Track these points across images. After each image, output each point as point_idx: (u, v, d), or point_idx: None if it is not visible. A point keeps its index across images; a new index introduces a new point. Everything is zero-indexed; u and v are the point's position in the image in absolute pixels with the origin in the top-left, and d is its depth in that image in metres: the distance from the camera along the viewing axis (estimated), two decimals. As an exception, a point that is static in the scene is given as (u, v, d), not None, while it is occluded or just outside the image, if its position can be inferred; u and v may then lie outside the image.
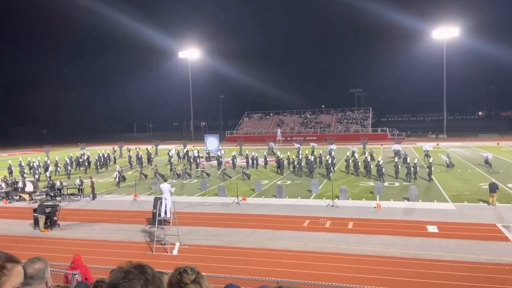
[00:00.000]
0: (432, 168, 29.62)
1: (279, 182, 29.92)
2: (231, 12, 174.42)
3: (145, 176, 33.66)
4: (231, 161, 38.39)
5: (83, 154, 44.79)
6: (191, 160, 40.49)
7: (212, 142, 55.49)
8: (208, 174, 32.74)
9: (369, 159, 34.03)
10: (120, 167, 31.17)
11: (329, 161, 32.77)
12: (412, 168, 29.51)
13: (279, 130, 74.96)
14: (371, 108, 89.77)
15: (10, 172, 36.30)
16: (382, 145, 59.48)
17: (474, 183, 27.84)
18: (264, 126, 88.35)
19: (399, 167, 31.15)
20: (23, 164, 37.96)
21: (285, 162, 36.04)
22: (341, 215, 19.92)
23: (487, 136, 71.90)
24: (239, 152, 48.80)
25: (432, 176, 29.18)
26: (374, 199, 23.41)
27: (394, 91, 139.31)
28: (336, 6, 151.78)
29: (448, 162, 35.10)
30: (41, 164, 37.97)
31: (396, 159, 33.16)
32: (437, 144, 59.33)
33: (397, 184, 28.28)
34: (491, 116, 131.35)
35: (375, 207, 21.32)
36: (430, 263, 13.45)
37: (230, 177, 31.83)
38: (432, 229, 17.30)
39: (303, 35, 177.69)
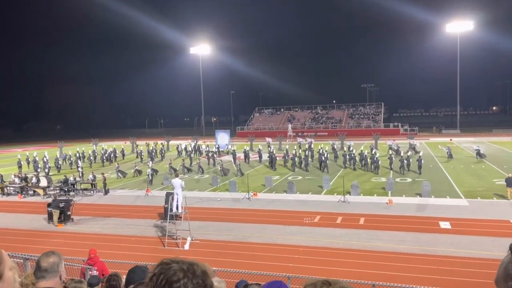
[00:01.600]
0: (422, 162, 30.75)
1: (290, 178, 29.89)
2: (242, 7, 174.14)
3: (139, 172, 33.30)
4: (243, 156, 38.66)
5: (95, 151, 45.62)
6: (209, 156, 40.71)
7: (223, 138, 55.75)
8: (225, 173, 32.35)
9: (376, 155, 34.15)
10: (152, 168, 31.38)
11: (326, 156, 33.55)
12: (405, 161, 30.89)
13: (290, 126, 74.79)
14: (383, 103, 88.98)
15: (20, 167, 37.05)
16: (394, 140, 58.94)
17: (488, 178, 27.47)
18: (275, 122, 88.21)
19: (393, 158, 33.12)
20: (37, 159, 38.61)
21: (296, 159, 36.02)
22: (353, 211, 19.83)
23: (501, 131, 70.74)
24: (250, 147, 48.79)
25: (422, 170, 30.29)
26: (386, 195, 23.25)
27: (406, 86, 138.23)
28: (348, 0, 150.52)
29: (448, 154, 38.29)
30: (45, 159, 38.62)
31: (390, 152, 34.95)
32: (451, 140, 58.64)
33: (409, 179, 28.05)
34: (506, 111, 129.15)
35: (387, 203, 21.19)
36: (443, 260, 13.33)
37: (243, 174, 31.72)
38: (444, 225, 17.14)
39: (314, 30, 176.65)
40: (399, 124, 79.45)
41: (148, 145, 49.74)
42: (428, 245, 14.71)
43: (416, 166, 30.72)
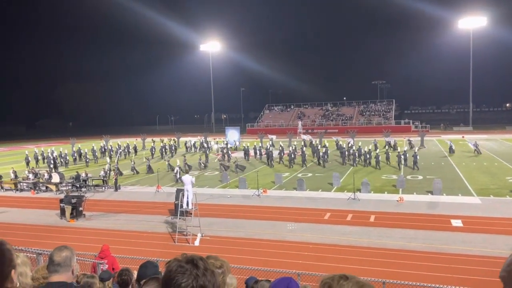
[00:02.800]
0: (418, 157, 31.51)
1: (300, 175, 29.85)
2: (252, 4, 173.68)
3: (120, 172, 31.24)
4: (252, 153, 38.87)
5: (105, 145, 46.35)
6: (223, 152, 40.90)
7: (233, 135, 55.89)
8: (242, 168, 32.42)
9: (377, 151, 35.81)
10: (171, 164, 31.72)
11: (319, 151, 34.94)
12: (402, 156, 31.73)
13: (300, 123, 74.62)
14: (394, 100, 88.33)
15: (27, 163, 37.63)
16: (405, 137, 58.51)
17: (501, 176, 27.12)
18: (285, 119, 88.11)
19: (389, 154, 34.71)
20: (55, 154, 39.21)
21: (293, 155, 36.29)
22: (363, 208, 19.74)
23: (515, 129, 69.76)
24: (260, 144, 48.84)
25: (417, 165, 31.02)
26: (397, 192, 23.09)
27: (418, 83, 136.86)
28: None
29: (476, 149, 38.52)
30: (57, 154, 39.16)
31: (387, 147, 37.04)
32: (463, 137, 57.98)
33: (420, 177, 27.81)
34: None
35: (397, 201, 21.04)
36: (454, 258, 13.21)
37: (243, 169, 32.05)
38: (456, 223, 16.97)
39: (324, 26, 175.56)
40: (411, 121, 78.76)
41: (162, 141, 50.39)
42: (439, 243, 14.58)
43: (412, 162, 31.40)
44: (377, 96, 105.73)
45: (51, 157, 38.08)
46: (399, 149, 34.89)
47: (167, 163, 34.57)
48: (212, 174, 31.91)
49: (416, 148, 35.58)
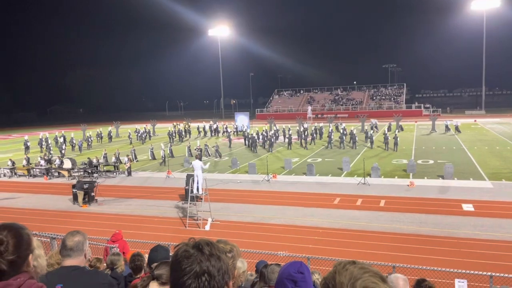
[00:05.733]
0: (398, 139, 33.30)
1: (309, 160, 29.82)
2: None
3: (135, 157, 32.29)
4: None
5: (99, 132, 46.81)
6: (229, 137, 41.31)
7: (242, 120, 55.92)
8: (220, 154, 32.85)
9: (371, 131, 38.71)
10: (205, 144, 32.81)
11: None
12: (387, 138, 34.00)
13: (309, 108, 74.17)
14: (405, 84, 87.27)
15: (27, 148, 38.19)
16: (416, 122, 57.99)
17: (513, 160, 26.79)
18: (294, 104, 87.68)
19: (373, 137, 36.15)
20: (65, 139, 39.73)
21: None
22: (373, 193, 19.69)
23: (529, 112, 68.60)
24: (269, 129, 48.85)
25: (397, 147, 32.84)
26: (407, 177, 22.96)
27: (430, 66, 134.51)
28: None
29: (456, 126, 43.50)
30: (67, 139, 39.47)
31: (371, 131, 39.08)
32: (475, 121, 57.24)
33: (431, 161, 27.59)
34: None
35: (408, 185, 20.93)
36: (465, 242, 13.17)
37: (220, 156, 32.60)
38: (467, 207, 16.86)
39: (334, 9, 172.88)
40: (422, 105, 77.82)
41: (175, 126, 51.08)
42: (450, 228, 14.52)
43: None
44: (387, 80, 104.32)
45: (63, 143, 38.53)
46: (386, 132, 37.02)
47: (186, 147, 34.66)
48: (222, 160, 32.00)
49: (397, 131, 39.27)
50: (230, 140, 39.98)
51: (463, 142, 36.32)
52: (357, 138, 36.31)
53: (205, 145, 35.16)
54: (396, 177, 23.29)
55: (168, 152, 33.44)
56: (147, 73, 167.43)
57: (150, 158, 32.24)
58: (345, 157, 26.75)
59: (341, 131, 38.22)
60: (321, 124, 46.82)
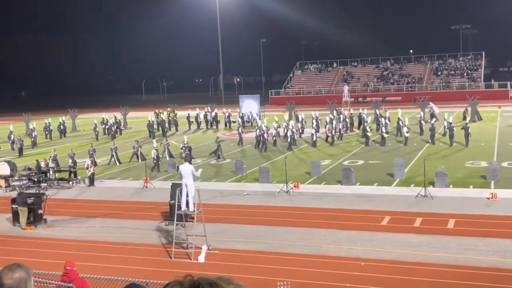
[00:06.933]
0: (435, 130, 36.15)
1: (346, 163, 29.76)
2: None
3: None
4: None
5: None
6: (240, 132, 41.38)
7: (250, 106, 55.64)
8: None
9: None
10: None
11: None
12: (453, 130, 34.68)
13: (346, 88, 73.74)
14: (483, 53, 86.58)
15: None
16: (500, 107, 57.41)
17: None
18: (325, 83, 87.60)
19: (423, 127, 38.83)
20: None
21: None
22: (438, 210, 19.64)
23: None
24: (288, 119, 48.85)
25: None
26: (487, 186, 22.84)
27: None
28: None
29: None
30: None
31: (432, 120, 41.12)
32: None
33: (521, 164, 27.41)
34: None
35: (488, 198, 20.83)
36: None
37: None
38: None
39: None
40: (508, 83, 77.05)
41: (158, 115, 51.49)
42: (549, 259, 14.41)
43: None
44: (458, 47, 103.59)
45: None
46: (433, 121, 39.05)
47: (164, 145, 34.76)
48: (221, 162, 32.08)
49: (433, 120, 41.40)
50: (240, 134, 39.75)
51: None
52: (406, 130, 36.19)
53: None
54: (471, 186, 23.20)
55: (164, 150, 33.60)
56: (115, 40, 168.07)
57: (139, 160, 31.87)
58: (397, 159, 26.63)
59: (382, 121, 38.43)
60: (365, 111, 46.62)
